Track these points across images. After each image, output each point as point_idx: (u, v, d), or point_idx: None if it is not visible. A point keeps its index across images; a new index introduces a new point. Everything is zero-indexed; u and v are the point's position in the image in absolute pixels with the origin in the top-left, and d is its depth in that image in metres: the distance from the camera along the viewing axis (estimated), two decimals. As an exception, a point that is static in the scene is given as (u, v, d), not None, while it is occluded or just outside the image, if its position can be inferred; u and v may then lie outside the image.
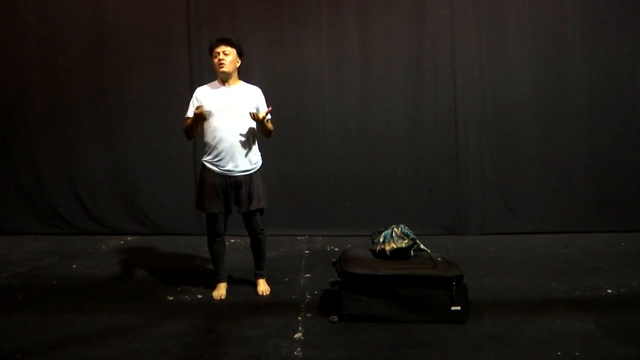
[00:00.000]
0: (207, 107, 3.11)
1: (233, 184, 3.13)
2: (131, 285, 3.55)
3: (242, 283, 3.49)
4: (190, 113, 3.20)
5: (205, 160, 3.17)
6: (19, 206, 5.19)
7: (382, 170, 5.01)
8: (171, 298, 3.26)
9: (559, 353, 2.41)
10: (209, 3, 4.99)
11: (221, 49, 3.11)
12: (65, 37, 5.06)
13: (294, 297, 3.25)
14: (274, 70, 5.02)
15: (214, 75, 3.16)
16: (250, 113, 3.06)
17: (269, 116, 3.18)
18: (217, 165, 3.13)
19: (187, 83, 4.94)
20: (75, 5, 5.04)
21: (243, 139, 3.11)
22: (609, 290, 3.27)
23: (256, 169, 3.20)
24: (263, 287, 3.31)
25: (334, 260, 3.16)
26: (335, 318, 2.83)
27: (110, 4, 5.04)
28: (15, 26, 5.08)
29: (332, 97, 5.00)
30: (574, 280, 3.49)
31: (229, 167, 3.12)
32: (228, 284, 3.32)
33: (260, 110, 3.17)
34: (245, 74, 4.68)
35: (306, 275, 3.71)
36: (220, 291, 3.24)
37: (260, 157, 3.25)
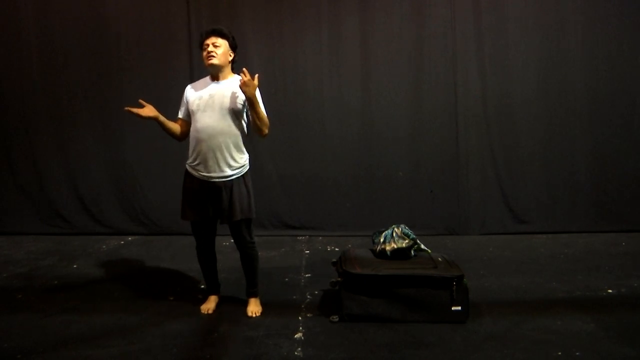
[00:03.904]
0: (191, 107, 2.89)
1: (212, 191, 2.84)
2: (132, 285, 3.54)
3: (242, 283, 3.48)
4: (181, 114, 3.00)
5: (187, 164, 2.92)
6: (20, 206, 5.19)
7: (382, 170, 5.00)
8: (172, 298, 3.26)
9: (560, 353, 2.41)
10: (209, 3, 4.99)
11: (211, 40, 2.83)
12: (66, 37, 5.06)
13: (294, 297, 3.25)
14: (274, 70, 5.01)
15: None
16: (241, 79, 2.69)
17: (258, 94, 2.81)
18: (196, 170, 2.86)
19: (187, 83, 4.84)
20: (76, 7, 5.04)
21: (224, 141, 2.81)
22: (610, 291, 3.27)
23: (239, 175, 2.87)
24: (254, 307, 2.99)
25: (335, 260, 3.16)
26: (335, 318, 2.83)
27: (110, 5, 5.04)
28: (16, 26, 5.07)
29: (332, 97, 5.00)
30: (575, 280, 3.49)
31: (207, 172, 2.83)
32: (219, 297, 3.12)
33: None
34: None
35: (306, 275, 3.71)
36: (209, 304, 3.02)
37: (246, 162, 2.92)
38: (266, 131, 2.88)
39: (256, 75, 2.75)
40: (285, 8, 4.98)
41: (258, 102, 2.80)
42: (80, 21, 5.05)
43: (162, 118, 2.91)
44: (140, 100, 2.89)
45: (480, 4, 4.87)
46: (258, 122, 2.83)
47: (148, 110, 2.85)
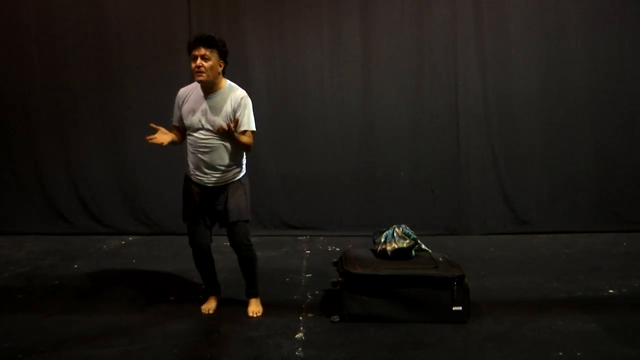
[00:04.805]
0: (185, 121, 2.89)
1: (210, 194, 2.91)
2: (132, 285, 3.54)
3: (242, 283, 3.47)
4: (175, 121, 2.98)
5: (187, 169, 2.99)
6: (21, 206, 5.18)
7: (382, 170, 5.00)
8: (172, 298, 3.26)
9: (561, 353, 2.41)
10: (210, 3, 4.99)
11: (199, 52, 2.70)
12: (67, 38, 5.05)
13: (295, 297, 3.25)
14: (275, 70, 5.01)
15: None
16: (219, 128, 2.70)
17: (243, 127, 2.80)
18: (194, 176, 2.93)
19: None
20: (77, 7, 5.04)
21: (220, 156, 2.84)
22: (611, 291, 3.27)
23: (235, 179, 2.92)
24: (255, 307, 3.00)
25: (335, 260, 3.16)
26: (336, 318, 2.83)
27: (111, 5, 5.04)
28: (18, 28, 5.07)
29: (333, 97, 5.00)
30: (576, 280, 3.48)
31: (204, 180, 2.89)
32: (220, 297, 3.12)
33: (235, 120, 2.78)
34: (246, 74, 4.70)
35: (307, 275, 3.71)
36: (210, 305, 3.05)
37: (242, 168, 2.96)
38: (249, 151, 2.91)
39: (236, 121, 2.70)
40: (286, 8, 4.97)
41: (236, 139, 2.75)
42: (81, 21, 5.04)
43: (174, 137, 2.91)
44: (152, 125, 2.85)
45: (480, 4, 4.87)
46: (239, 148, 2.84)
47: (165, 136, 2.82)
